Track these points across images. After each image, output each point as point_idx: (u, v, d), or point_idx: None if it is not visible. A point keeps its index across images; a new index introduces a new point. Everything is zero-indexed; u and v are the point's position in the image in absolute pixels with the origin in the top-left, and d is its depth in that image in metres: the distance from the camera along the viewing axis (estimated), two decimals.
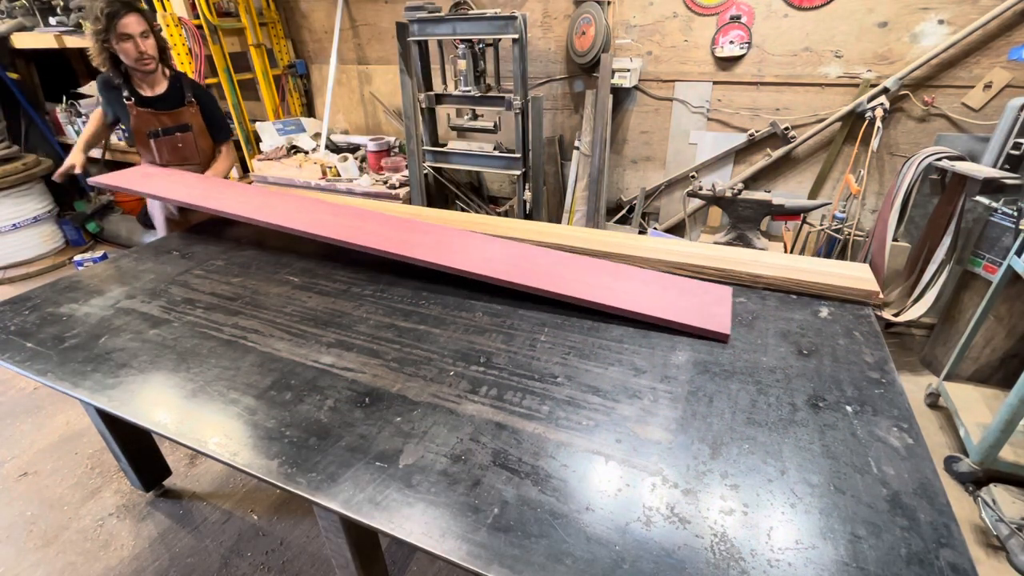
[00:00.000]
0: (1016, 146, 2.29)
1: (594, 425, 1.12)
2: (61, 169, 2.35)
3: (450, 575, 1.84)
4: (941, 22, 2.54)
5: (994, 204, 2.27)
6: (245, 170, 4.21)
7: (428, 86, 3.19)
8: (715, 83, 3.10)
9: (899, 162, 2.83)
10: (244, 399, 1.22)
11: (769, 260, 1.68)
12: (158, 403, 1.24)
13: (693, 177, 3.30)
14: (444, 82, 3.40)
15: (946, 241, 2.56)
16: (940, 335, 2.77)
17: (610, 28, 3.13)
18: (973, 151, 2.56)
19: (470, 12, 3.21)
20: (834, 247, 3.02)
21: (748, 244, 2.76)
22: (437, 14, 2.91)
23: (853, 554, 0.84)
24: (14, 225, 4.08)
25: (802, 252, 3.24)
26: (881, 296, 1.50)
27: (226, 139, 2.65)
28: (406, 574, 1.85)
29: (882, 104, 2.66)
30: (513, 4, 3.41)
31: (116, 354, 1.41)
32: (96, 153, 4.56)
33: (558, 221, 3.77)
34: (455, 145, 3.32)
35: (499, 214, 3.78)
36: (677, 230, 3.59)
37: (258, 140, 4.08)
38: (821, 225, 3.07)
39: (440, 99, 3.19)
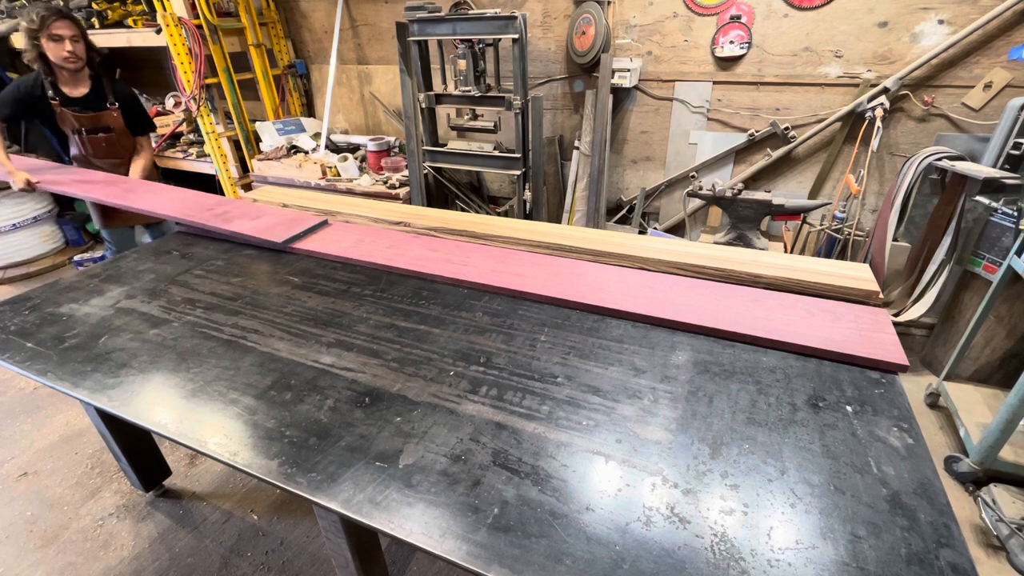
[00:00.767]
0: (1016, 146, 2.29)
1: (594, 425, 1.12)
2: (21, 186, 2.47)
3: (450, 575, 1.84)
4: (941, 22, 2.54)
5: (994, 204, 2.27)
6: (245, 170, 4.21)
7: (428, 86, 3.19)
8: (715, 83, 3.10)
9: (899, 162, 2.83)
10: (244, 399, 1.22)
11: (769, 260, 1.68)
12: (158, 403, 1.24)
13: (693, 177, 3.30)
14: (444, 82, 3.40)
15: (946, 241, 2.56)
16: (940, 335, 2.77)
17: (610, 28, 3.13)
18: (973, 151, 2.56)
19: (470, 12, 3.21)
20: (834, 247, 3.02)
21: (748, 244, 2.76)
22: (437, 14, 2.91)
23: (853, 554, 0.84)
24: (14, 225, 4.08)
25: (802, 252, 3.24)
26: (881, 296, 1.50)
27: (143, 133, 2.87)
28: (406, 574, 1.85)
29: (882, 104, 2.66)
30: (513, 4, 3.41)
31: (116, 354, 1.41)
32: None
33: (558, 221, 3.77)
34: (455, 145, 3.32)
35: (499, 214, 3.78)
36: (677, 230, 3.59)
37: (258, 140, 4.08)
38: (821, 225, 3.07)
39: (440, 99, 3.19)
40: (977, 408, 2.26)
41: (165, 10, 3.49)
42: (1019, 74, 2.47)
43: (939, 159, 2.49)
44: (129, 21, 3.88)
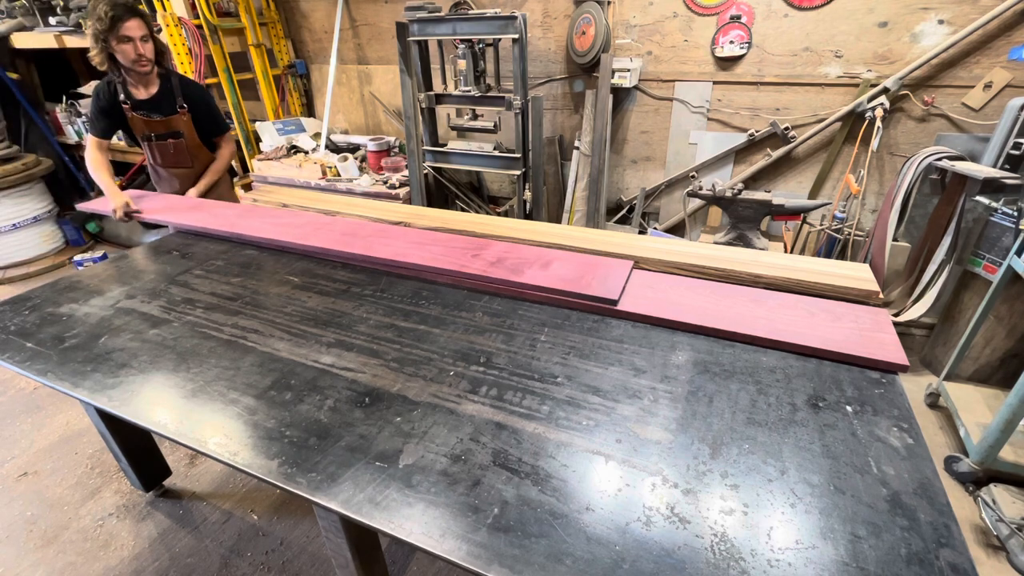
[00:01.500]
0: (1016, 146, 2.29)
1: (594, 425, 1.12)
2: (120, 213, 2.33)
3: (450, 575, 1.84)
4: (941, 22, 2.54)
5: (994, 204, 2.27)
6: (245, 170, 4.21)
7: (428, 86, 3.19)
8: (715, 83, 3.10)
9: (899, 162, 2.83)
10: (244, 399, 1.22)
11: (769, 260, 1.68)
12: (158, 403, 1.24)
13: (693, 177, 3.30)
14: (444, 82, 3.40)
15: (946, 241, 2.56)
16: (940, 335, 2.77)
17: (610, 28, 3.13)
18: (973, 151, 2.56)
19: (470, 12, 3.21)
20: (834, 247, 3.02)
21: (748, 244, 2.76)
22: (437, 14, 2.91)
23: (853, 554, 0.84)
24: (14, 225, 4.08)
25: (802, 252, 3.24)
26: (881, 296, 1.50)
27: (223, 132, 2.67)
28: (406, 574, 1.85)
29: (882, 104, 2.66)
30: (513, 4, 3.41)
31: (116, 354, 1.41)
32: None
33: (558, 221, 3.77)
34: (455, 145, 3.33)
35: (499, 214, 3.78)
36: (677, 230, 3.59)
37: (258, 140, 4.08)
38: (821, 225, 3.07)
39: (440, 99, 3.19)
40: (977, 408, 2.26)
41: (165, 10, 3.49)
42: (1019, 74, 2.47)
43: (939, 159, 2.49)
44: None
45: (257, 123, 4.07)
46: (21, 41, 4.25)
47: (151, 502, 2.16)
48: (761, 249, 2.38)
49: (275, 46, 4.21)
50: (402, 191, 3.36)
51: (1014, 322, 2.32)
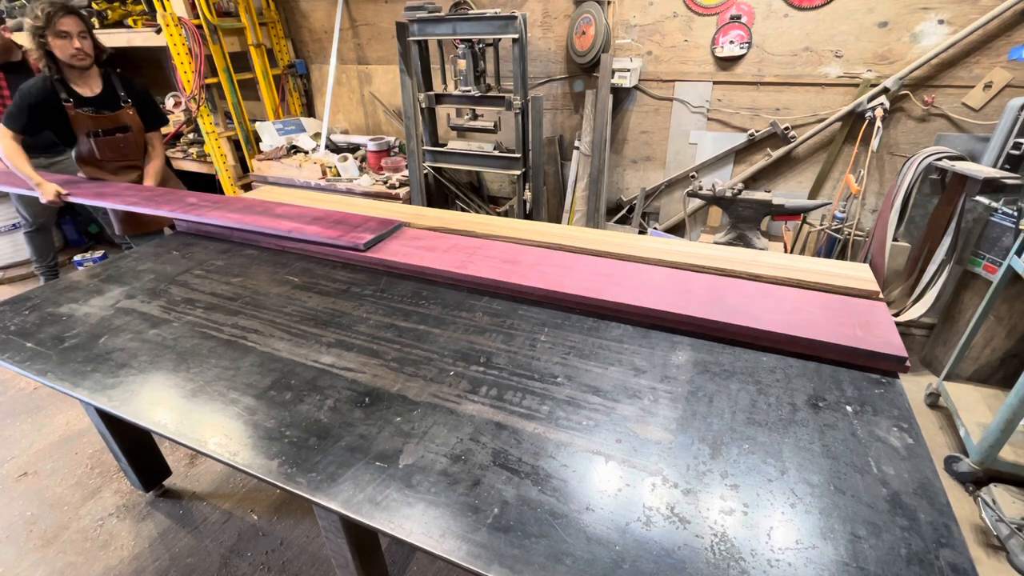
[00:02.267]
0: (1016, 146, 2.29)
1: (594, 425, 1.12)
2: (52, 198, 2.39)
3: (450, 575, 1.84)
4: (941, 22, 2.54)
5: (994, 204, 2.27)
6: (245, 170, 4.21)
7: (428, 86, 3.19)
8: (715, 83, 3.10)
9: (899, 162, 2.83)
10: (244, 399, 1.22)
11: (769, 260, 1.68)
12: (158, 403, 1.24)
13: (693, 177, 3.30)
14: (444, 82, 3.40)
15: (946, 241, 2.56)
16: (940, 335, 2.77)
17: (610, 28, 3.13)
18: (973, 151, 2.56)
19: (470, 12, 3.21)
20: (834, 247, 3.02)
21: (748, 244, 2.76)
22: (437, 14, 2.91)
23: (853, 554, 0.84)
24: (14, 225, 4.08)
25: (802, 252, 3.24)
26: (881, 296, 1.50)
27: (155, 128, 2.76)
28: (406, 574, 1.85)
29: (882, 104, 2.66)
30: (513, 4, 3.41)
31: (116, 354, 1.41)
32: None
33: (558, 221, 3.77)
34: (455, 145, 3.32)
35: (499, 214, 3.78)
36: (677, 230, 3.59)
37: (258, 140, 4.08)
38: (821, 225, 3.07)
39: (440, 99, 3.19)
40: (977, 408, 2.26)
41: (165, 10, 3.49)
42: (1019, 74, 2.47)
43: (939, 159, 2.49)
44: (129, 21, 3.89)
45: (257, 123, 4.07)
46: (21, 41, 4.24)
47: (151, 502, 2.16)
48: (761, 249, 2.39)
49: (275, 46, 4.21)
50: (402, 191, 3.36)
51: (1014, 322, 2.32)
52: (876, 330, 1.31)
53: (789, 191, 3.20)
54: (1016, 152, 2.29)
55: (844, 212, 2.99)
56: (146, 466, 2.13)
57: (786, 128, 2.99)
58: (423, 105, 3.18)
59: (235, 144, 4.16)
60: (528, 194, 3.18)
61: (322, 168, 3.56)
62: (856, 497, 0.94)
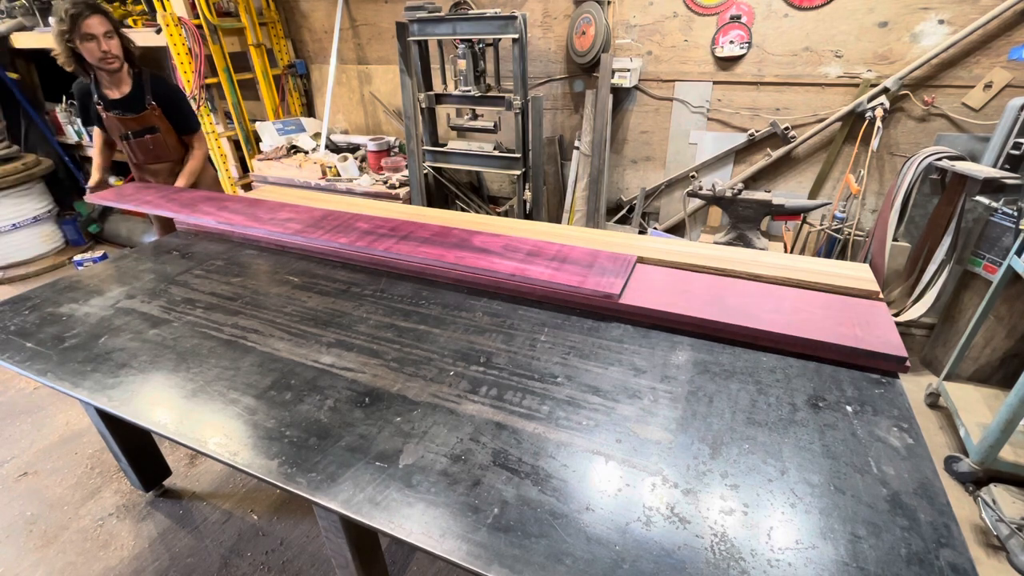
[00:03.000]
0: (1016, 146, 2.29)
1: (594, 425, 1.12)
2: (92, 185, 2.52)
3: (450, 575, 1.84)
4: (941, 22, 2.54)
5: (994, 204, 2.27)
6: (245, 170, 4.21)
7: (428, 86, 3.19)
8: (715, 83, 3.10)
9: (899, 162, 2.83)
10: (244, 399, 1.22)
11: (769, 260, 1.68)
12: (158, 403, 1.24)
13: (693, 177, 3.30)
14: (444, 82, 3.40)
15: (946, 241, 2.56)
16: (940, 335, 2.77)
17: (610, 28, 3.13)
18: (973, 151, 2.56)
19: (470, 12, 3.21)
20: (834, 247, 3.02)
21: (748, 244, 2.76)
22: (437, 14, 2.91)
23: (853, 554, 0.84)
24: (14, 225, 4.08)
25: (802, 252, 3.24)
26: (881, 296, 1.50)
27: (194, 130, 2.67)
28: (406, 574, 1.85)
29: (882, 104, 2.66)
30: (513, 4, 3.41)
31: (116, 354, 1.41)
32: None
33: (558, 221, 3.77)
34: (455, 145, 3.32)
35: (499, 214, 3.78)
36: (677, 230, 3.59)
37: (258, 140, 4.08)
38: (821, 225, 3.07)
39: (440, 99, 3.19)
40: (977, 408, 2.26)
41: (165, 10, 3.49)
42: (1019, 74, 2.47)
43: (939, 159, 2.49)
44: (129, 21, 3.88)
45: (257, 123, 4.07)
46: (21, 41, 4.25)
47: (151, 502, 2.16)
48: (761, 249, 2.38)
49: (275, 46, 4.21)
50: (402, 191, 3.36)
51: (1014, 322, 2.32)
52: (876, 330, 1.31)
53: (789, 191, 3.20)
54: (1016, 152, 2.29)
55: (844, 212, 2.99)
56: (146, 466, 2.13)
57: (786, 128, 2.99)
58: (423, 105, 3.18)
59: (235, 144, 4.16)
60: (528, 194, 3.18)
61: (322, 168, 3.56)
62: (856, 497, 0.94)
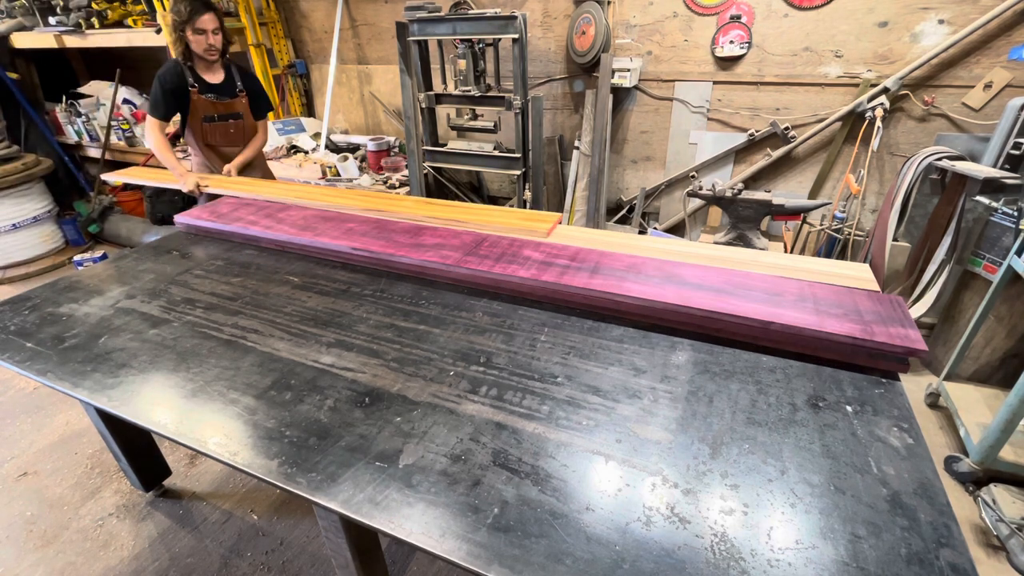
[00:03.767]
0: (1016, 146, 2.29)
1: (594, 425, 1.12)
2: (191, 188, 2.59)
3: (450, 575, 1.84)
4: (941, 22, 2.54)
5: (994, 204, 2.27)
6: None
7: (428, 86, 3.19)
8: (715, 83, 3.10)
9: (899, 162, 2.83)
10: (244, 399, 1.22)
11: (769, 260, 1.68)
12: (158, 403, 1.24)
13: (693, 177, 3.30)
14: (444, 82, 3.40)
15: (946, 241, 2.56)
16: (940, 335, 2.77)
17: (610, 28, 3.13)
18: (973, 151, 2.56)
19: (470, 12, 3.21)
20: (834, 247, 3.02)
21: (748, 244, 2.76)
22: (437, 14, 2.91)
23: (853, 554, 0.84)
24: (14, 225, 4.08)
25: (802, 252, 3.24)
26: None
27: (265, 116, 2.94)
28: (406, 574, 1.85)
29: (882, 104, 2.66)
30: (513, 4, 3.41)
31: (116, 354, 1.41)
32: (95, 152, 4.58)
33: None
34: (455, 145, 3.33)
35: None
36: (677, 230, 3.59)
37: None
38: (821, 225, 3.07)
39: (440, 99, 3.19)
40: (977, 408, 2.26)
41: (165, 10, 3.49)
42: (1019, 74, 2.47)
43: (939, 159, 2.49)
44: (129, 21, 3.89)
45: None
46: (21, 41, 4.26)
47: (151, 502, 2.16)
48: (761, 249, 2.38)
49: (275, 46, 4.21)
50: (402, 191, 3.36)
51: (1014, 322, 2.32)
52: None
53: (789, 191, 3.20)
54: (1016, 152, 2.29)
55: (844, 212, 2.99)
56: (146, 466, 2.13)
57: (786, 128, 2.99)
58: (423, 105, 3.18)
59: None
60: (528, 194, 3.18)
61: (322, 168, 3.56)
62: (856, 497, 0.94)
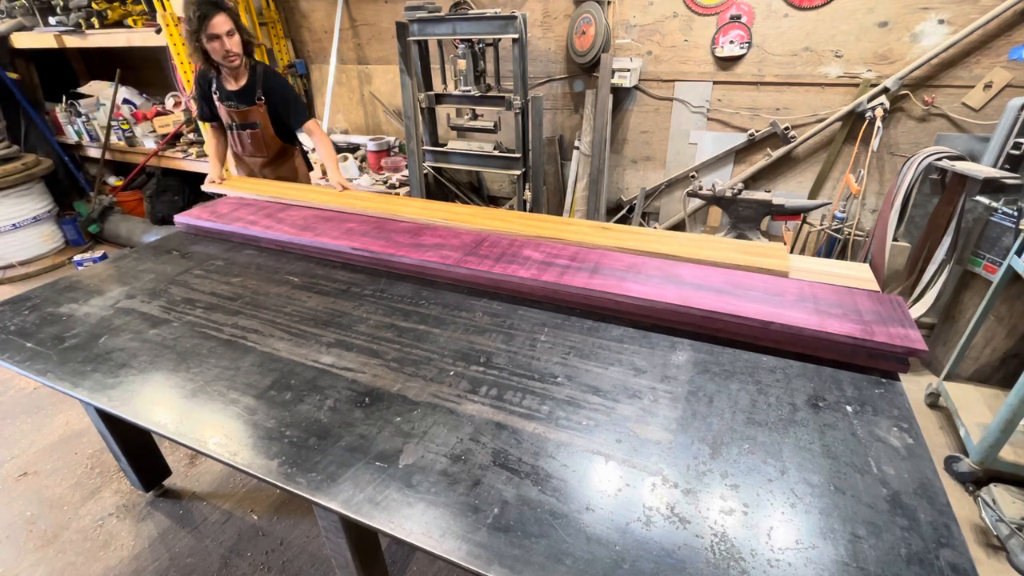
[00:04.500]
0: (1016, 146, 2.29)
1: (594, 425, 1.12)
2: (211, 181, 2.58)
3: (450, 575, 1.84)
4: (941, 22, 2.54)
5: (994, 204, 2.27)
6: None
7: (428, 86, 3.19)
8: (715, 83, 3.10)
9: (899, 162, 2.83)
10: (244, 399, 1.22)
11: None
12: (158, 403, 1.24)
13: (693, 177, 3.30)
14: (444, 82, 3.40)
15: (946, 241, 2.56)
16: (940, 335, 2.77)
17: (610, 28, 3.13)
18: (973, 151, 2.56)
19: (470, 12, 3.21)
20: (834, 247, 3.02)
21: None
22: (437, 14, 2.91)
23: (853, 554, 0.84)
24: (14, 225, 4.08)
25: (802, 252, 3.24)
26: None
27: (302, 123, 2.61)
28: (406, 574, 1.85)
29: (882, 104, 2.66)
30: (513, 4, 3.41)
31: (116, 354, 1.41)
32: (95, 152, 4.58)
33: None
34: (455, 145, 3.33)
35: None
36: (677, 230, 3.59)
37: None
38: (821, 225, 3.07)
39: (440, 99, 3.19)
40: (977, 408, 2.26)
41: (165, 10, 3.49)
42: (1019, 74, 2.47)
43: (939, 159, 2.49)
44: (129, 21, 3.89)
45: None
46: (21, 41, 4.25)
47: (151, 502, 2.16)
48: None
49: (275, 46, 4.21)
50: (402, 191, 3.36)
51: (1014, 322, 2.32)
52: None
53: (789, 191, 3.19)
54: (1016, 152, 2.29)
55: (844, 212, 2.99)
56: (146, 466, 2.13)
57: (786, 128, 2.99)
58: (423, 105, 3.18)
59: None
60: (528, 194, 3.18)
61: (322, 168, 3.56)
62: (856, 497, 0.94)
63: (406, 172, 3.55)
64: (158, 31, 3.57)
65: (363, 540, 1.36)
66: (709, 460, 1.02)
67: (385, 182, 3.45)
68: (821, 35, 2.77)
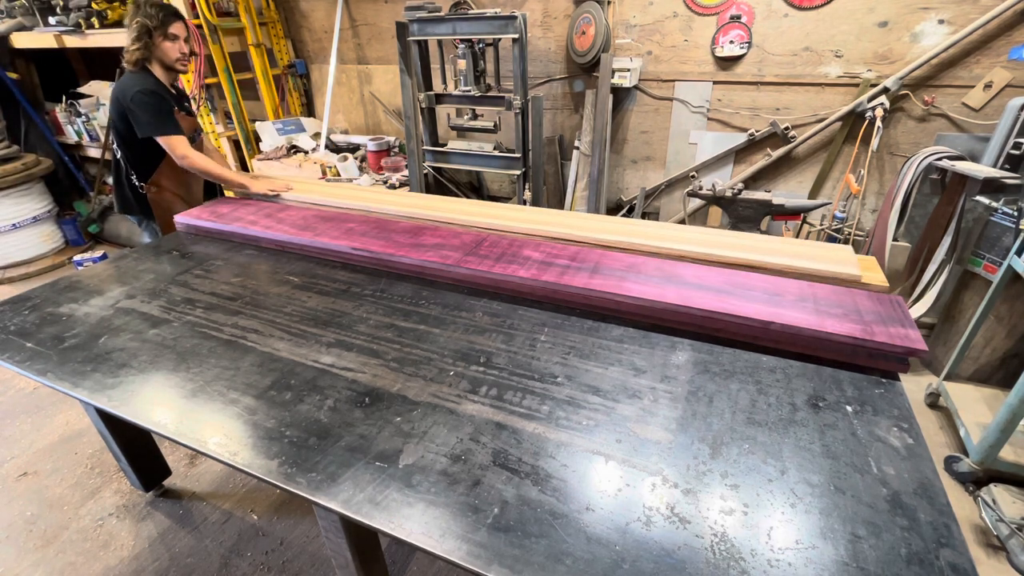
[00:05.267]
0: (1016, 146, 2.29)
1: (594, 425, 1.12)
2: (268, 191, 2.38)
3: (450, 575, 1.84)
4: (941, 22, 2.54)
5: (994, 204, 2.27)
6: (245, 170, 4.21)
7: (428, 86, 3.19)
8: (715, 83, 3.10)
9: (899, 162, 2.83)
10: (244, 399, 1.22)
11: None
12: (158, 403, 1.23)
13: (693, 177, 3.30)
14: (444, 82, 3.40)
15: (946, 241, 2.56)
16: (940, 335, 2.76)
17: (610, 28, 3.13)
18: (973, 151, 2.56)
19: (470, 12, 3.21)
20: None
21: None
22: (437, 14, 2.91)
23: (853, 554, 0.84)
24: (14, 225, 4.08)
25: None
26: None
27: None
28: (406, 574, 1.85)
29: (882, 104, 2.66)
30: (513, 4, 3.41)
31: (116, 354, 1.41)
32: (95, 152, 4.58)
33: None
34: (455, 145, 3.33)
35: None
36: None
37: (258, 140, 4.08)
38: (821, 225, 3.07)
39: (440, 99, 3.19)
40: (977, 408, 2.26)
41: None
42: (1019, 74, 2.47)
43: (939, 159, 2.49)
44: (127, 21, 3.88)
45: (257, 123, 4.07)
46: (21, 41, 4.25)
47: (151, 502, 2.16)
48: None
49: (275, 46, 4.21)
50: (402, 191, 3.36)
51: (1014, 322, 2.32)
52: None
53: (789, 191, 3.19)
54: (1016, 152, 2.29)
55: (844, 212, 2.99)
56: (146, 466, 2.13)
57: (786, 128, 2.99)
58: (423, 105, 3.18)
59: (235, 144, 4.16)
60: (528, 194, 3.18)
61: (322, 168, 3.56)
62: (856, 497, 0.94)
63: (406, 172, 3.55)
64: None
65: (363, 540, 1.36)
66: (709, 460, 1.02)
67: (385, 182, 3.45)
68: (821, 35, 2.77)
